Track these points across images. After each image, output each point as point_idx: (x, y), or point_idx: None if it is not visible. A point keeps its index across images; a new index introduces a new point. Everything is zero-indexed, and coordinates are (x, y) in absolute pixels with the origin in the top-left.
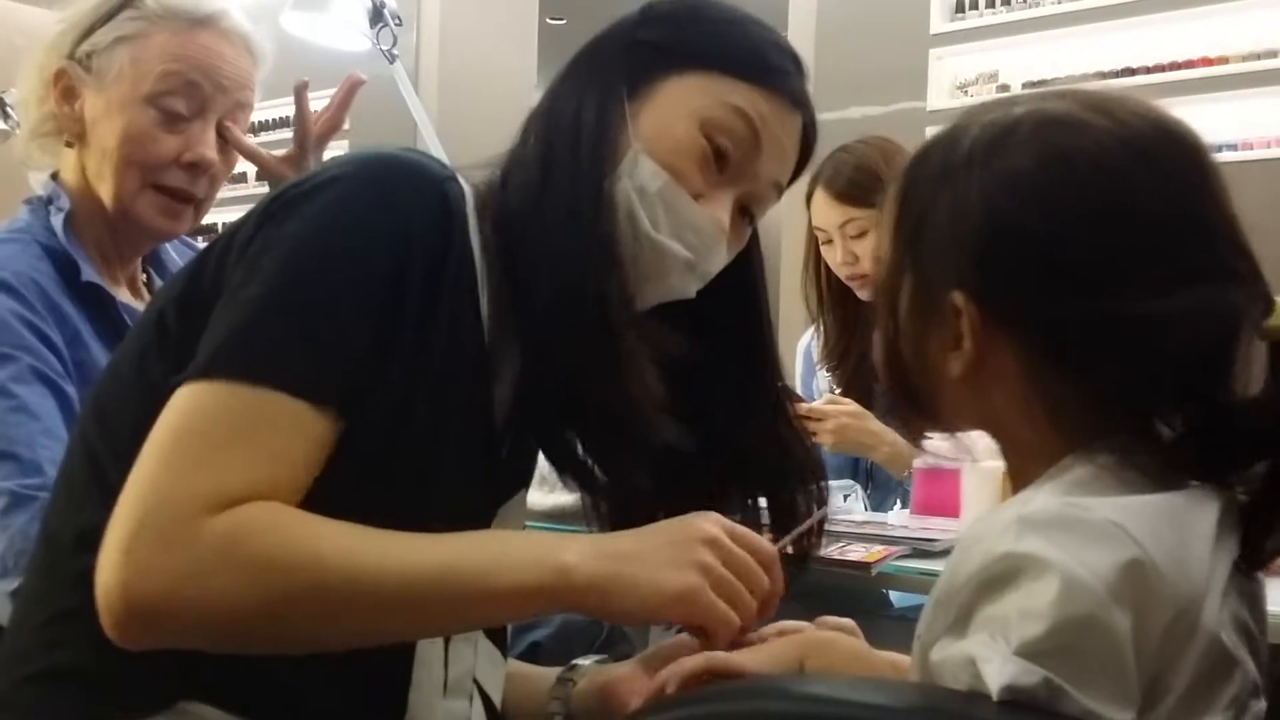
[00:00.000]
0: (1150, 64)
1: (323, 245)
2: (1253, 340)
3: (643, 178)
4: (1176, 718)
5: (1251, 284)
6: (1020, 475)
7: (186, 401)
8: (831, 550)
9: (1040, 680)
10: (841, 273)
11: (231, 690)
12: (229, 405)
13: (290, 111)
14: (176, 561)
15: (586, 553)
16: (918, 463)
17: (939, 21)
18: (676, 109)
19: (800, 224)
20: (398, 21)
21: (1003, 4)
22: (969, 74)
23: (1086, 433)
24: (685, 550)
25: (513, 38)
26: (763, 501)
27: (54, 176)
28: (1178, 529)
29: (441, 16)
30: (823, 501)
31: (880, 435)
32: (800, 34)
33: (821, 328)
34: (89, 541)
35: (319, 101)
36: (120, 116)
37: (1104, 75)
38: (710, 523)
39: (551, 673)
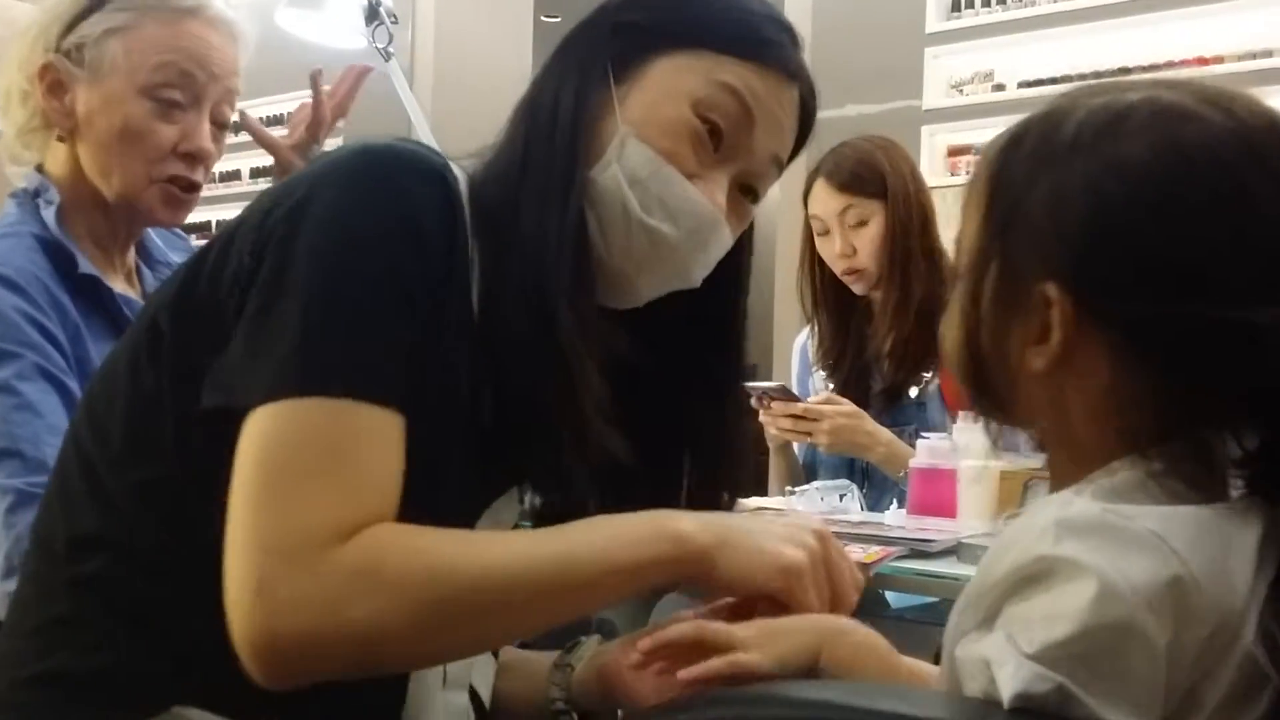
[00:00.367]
0: (1145, 63)
1: (347, 247)
2: None
3: (632, 161)
4: None
5: None
6: (1063, 473)
7: (266, 427)
8: None
9: (1053, 687)
10: (838, 267)
11: (228, 693)
12: (314, 424)
13: (282, 109)
14: (315, 595)
15: (698, 521)
16: (914, 463)
17: (934, 20)
18: (665, 90)
19: (795, 223)
20: (394, 19)
21: (998, 3)
22: (964, 73)
23: (1145, 437)
24: (796, 533)
25: (508, 36)
26: None
27: (38, 169)
28: (1220, 543)
29: (436, 14)
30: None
31: (876, 435)
32: None
33: (816, 327)
34: (81, 547)
35: (305, 96)
36: (117, 109)
37: (1099, 74)
38: (820, 523)
39: (546, 658)
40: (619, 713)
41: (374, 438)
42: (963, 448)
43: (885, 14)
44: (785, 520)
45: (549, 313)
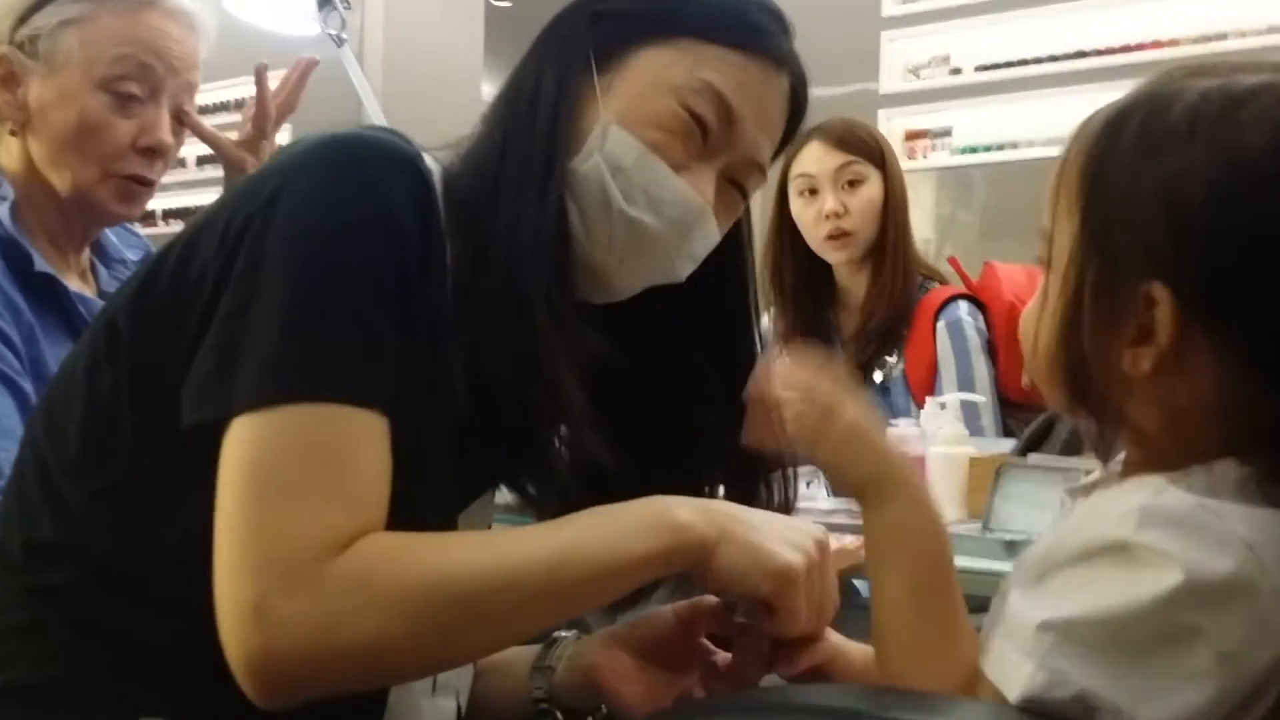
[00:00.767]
0: (1102, 47)
1: (323, 242)
2: None
3: (615, 150)
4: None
5: None
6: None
7: (251, 436)
8: None
9: (1072, 695)
10: (821, 230)
11: (196, 702)
12: (300, 431)
13: (232, 95)
14: (315, 612)
15: (699, 510)
16: None
17: (891, 4)
18: (651, 81)
19: (762, 209)
20: (346, 4)
21: None
22: (921, 57)
23: (1248, 441)
24: (797, 536)
25: (459, 21)
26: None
27: None
28: None
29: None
30: (787, 489)
31: None
32: None
33: (782, 308)
34: (38, 555)
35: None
36: (73, 103)
37: (1055, 58)
38: (821, 531)
39: (523, 655)
40: (602, 708)
41: (362, 443)
42: (931, 434)
43: None
44: (786, 519)
45: (527, 308)
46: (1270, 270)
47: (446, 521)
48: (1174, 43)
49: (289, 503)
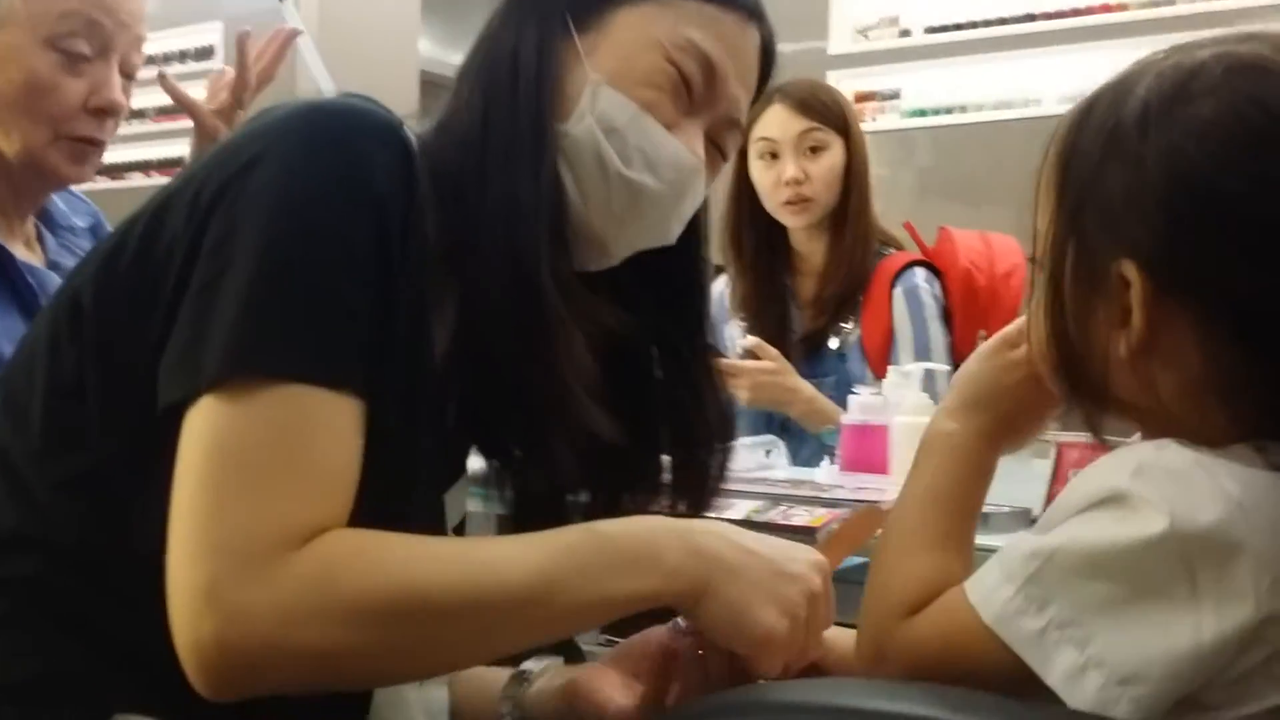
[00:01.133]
0: (1051, 10)
1: (298, 214)
2: None
3: (608, 111)
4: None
5: None
6: None
7: (213, 415)
8: (774, 515)
9: (1043, 623)
10: (781, 195)
11: (174, 696)
12: (265, 414)
13: (164, 48)
14: (268, 605)
15: (689, 551)
16: (846, 419)
17: None
18: (636, 38)
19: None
20: None
21: None
22: (870, 18)
23: (1261, 427)
24: (787, 591)
25: None
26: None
27: None
28: None
29: None
30: (725, 462)
31: (797, 391)
32: None
33: (740, 272)
34: (3, 547)
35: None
36: (18, 63)
37: (1005, 21)
38: (818, 576)
39: (501, 672)
40: None
41: (329, 427)
42: (894, 404)
43: None
44: (783, 565)
45: (529, 281)
46: (1234, 235)
47: (433, 501)
48: (1122, 6)
49: (248, 488)
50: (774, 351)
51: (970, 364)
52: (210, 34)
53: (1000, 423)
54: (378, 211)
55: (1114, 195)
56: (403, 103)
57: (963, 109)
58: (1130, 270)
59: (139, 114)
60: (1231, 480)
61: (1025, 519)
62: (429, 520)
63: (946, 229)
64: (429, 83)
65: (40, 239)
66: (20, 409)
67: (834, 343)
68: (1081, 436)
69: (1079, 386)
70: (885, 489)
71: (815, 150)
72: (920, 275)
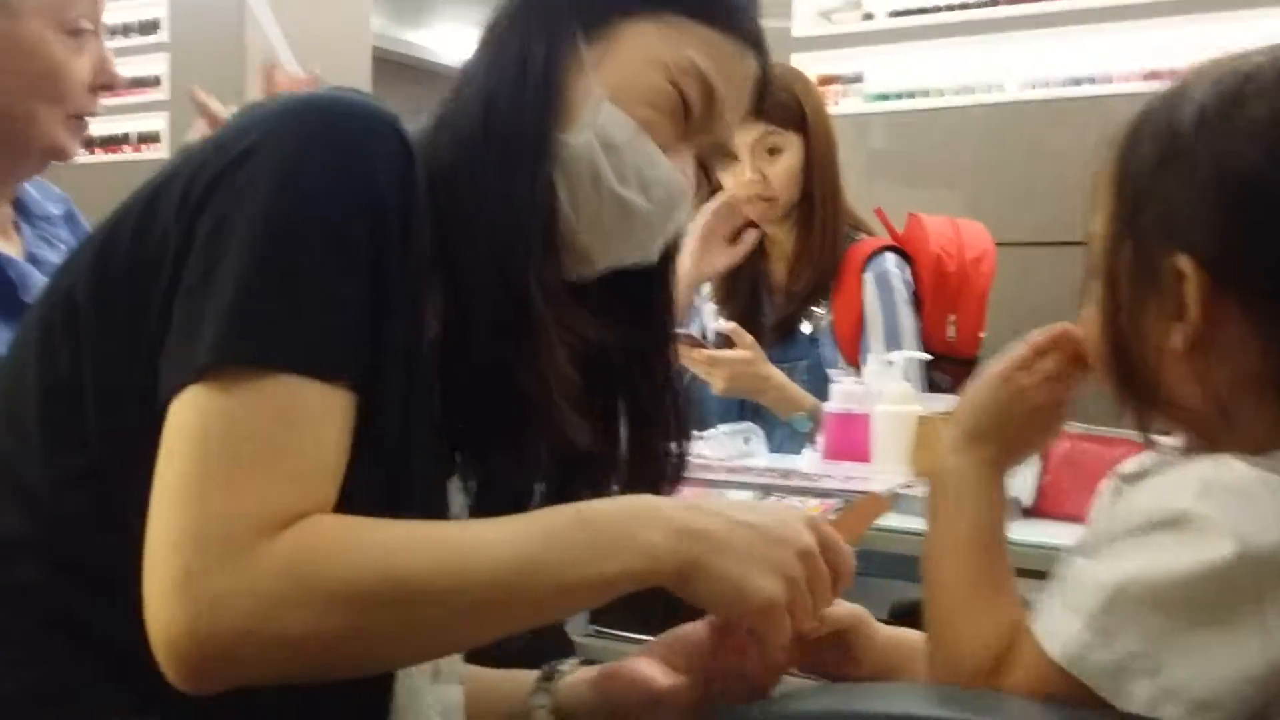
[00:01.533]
0: None
1: (293, 206)
2: None
3: (609, 127)
4: None
5: None
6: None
7: (198, 404)
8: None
9: (1116, 656)
10: (742, 194)
11: (176, 701)
12: (250, 403)
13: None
14: (245, 591)
15: (674, 530)
16: (828, 407)
17: None
18: (641, 56)
19: None
20: None
21: None
22: (834, 1)
23: None
24: (779, 555)
25: None
26: None
27: None
28: None
29: None
30: (684, 454)
31: (769, 379)
32: None
33: None
34: (3, 552)
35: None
36: (40, 51)
37: (968, 5)
38: (808, 532)
39: (521, 674)
40: None
41: (316, 419)
42: (876, 393)
43: None
44: (771, 530)
45: (518, 285)
46: None
47: (435, 491)
48: None
49: (230, 477)
50: (749, 339)
51: (977, 393)
52: (156, 8)
53: (1006, 450)
54: (374, 203)
55: (1171, 197)
56: (355, 79)
57: (925, 94)
58: (1186, 264)
59: None
60: None
61: (1015, 508)
62: (432, 512)
63: (916, 215)
64: (380, 59)
65: (17, 229)
66: (15, 408)
67: (806, 327)
68: (1074, 427)
69: (1129, 385)
70: (871, 478)
71: (772, 152)
72: (891, 260)
